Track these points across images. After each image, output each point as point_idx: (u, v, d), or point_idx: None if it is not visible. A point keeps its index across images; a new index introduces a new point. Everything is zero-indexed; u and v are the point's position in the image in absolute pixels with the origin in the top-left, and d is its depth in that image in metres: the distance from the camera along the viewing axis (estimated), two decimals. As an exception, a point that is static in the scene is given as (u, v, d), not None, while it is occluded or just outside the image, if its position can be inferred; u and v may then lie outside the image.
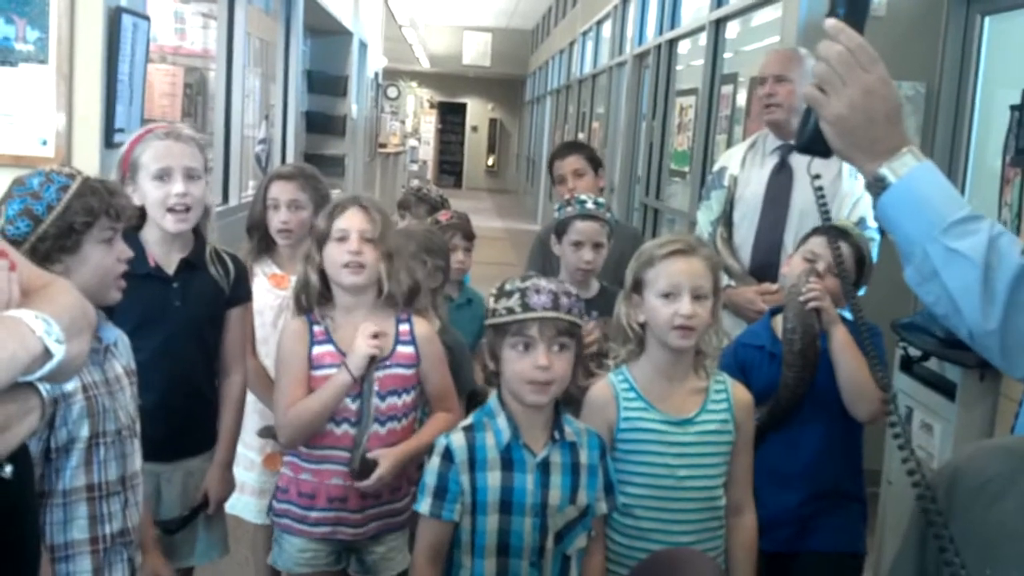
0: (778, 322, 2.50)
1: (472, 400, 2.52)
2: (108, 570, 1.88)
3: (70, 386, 1.79)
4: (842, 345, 2.38)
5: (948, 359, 3.02)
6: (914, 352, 3.21)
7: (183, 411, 2.36)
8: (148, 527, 2.13)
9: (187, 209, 2.31)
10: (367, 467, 2.25)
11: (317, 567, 2.32)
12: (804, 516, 2.41)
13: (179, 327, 2.34)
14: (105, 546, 1.85)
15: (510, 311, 1.92)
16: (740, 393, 2.19)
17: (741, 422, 2.16)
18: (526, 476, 1.93)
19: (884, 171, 1.26)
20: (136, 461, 1.96)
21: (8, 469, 1.06)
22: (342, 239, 2.27)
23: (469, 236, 3.24)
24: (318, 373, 2.27)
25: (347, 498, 2.29)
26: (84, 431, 1.81)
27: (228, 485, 2.48)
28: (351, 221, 2.28)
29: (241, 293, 2.50)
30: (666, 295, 2.08)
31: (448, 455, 1.94)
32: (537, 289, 1.93)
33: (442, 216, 3.26)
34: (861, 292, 2.70)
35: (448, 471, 1.93)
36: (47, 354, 1.06)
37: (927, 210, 1.25)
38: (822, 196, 1.44)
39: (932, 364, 3.15)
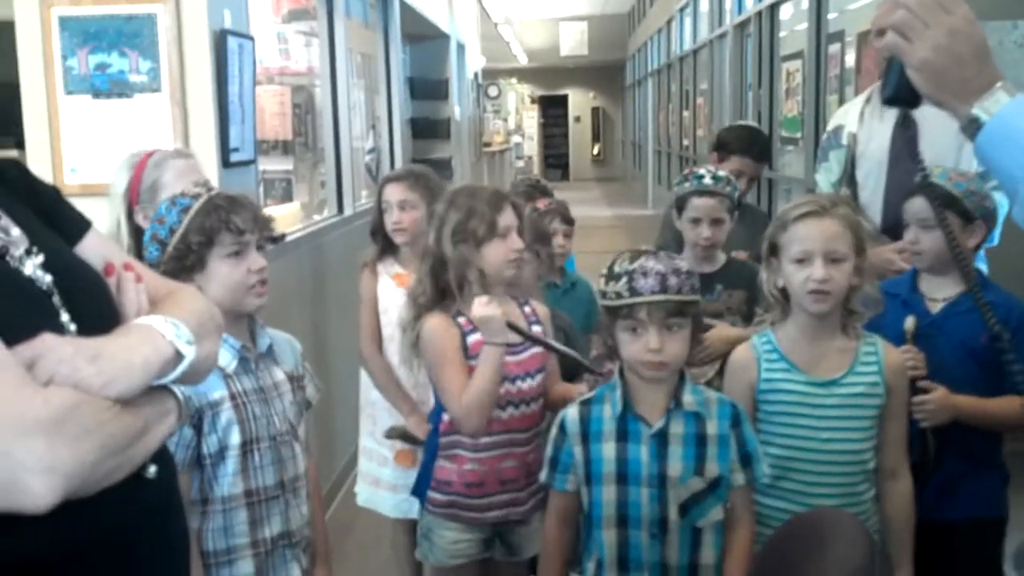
0: (924, 277, 2.38)
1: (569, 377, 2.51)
2: (272, 572, 1.93)
3: (216, 395, 1.86)
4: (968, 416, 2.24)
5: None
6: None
7: None
8: (322, 536, 2.14)
9: None
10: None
11: (470, 556, 2.34)
12: (938, 484, 2.27)
13: None
14: (266, 548, 1.91)
15: (619, 295, 1.90)
16: (892, 355, 2.11)
17: (894, 385, 2.09)
18: (640, 447, 1.93)
19: (977, 111, 1.21)
20: (298, 464, 1.99)
21: (152, 469, 1.10)
22: (504, 236, 2.27)
23: (568, 220, 3.26)
24: (475, 363, 2.23)
25: (519, 478, 2.31)
26: (235, 438, 1.87)
27: None
28: (508, 219, 2.29)
29: None
30: (799, 260, 2.04)
31: (563, 427, 1.99)
32: (644, 272, 1.88)
33: (540, 204, 3.26)
34: (991, 243, 2.57)
35: (562, 443, 1.99)
36: (178, 356, 1.10)
37: None
38: (915, 149, 1.38)
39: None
